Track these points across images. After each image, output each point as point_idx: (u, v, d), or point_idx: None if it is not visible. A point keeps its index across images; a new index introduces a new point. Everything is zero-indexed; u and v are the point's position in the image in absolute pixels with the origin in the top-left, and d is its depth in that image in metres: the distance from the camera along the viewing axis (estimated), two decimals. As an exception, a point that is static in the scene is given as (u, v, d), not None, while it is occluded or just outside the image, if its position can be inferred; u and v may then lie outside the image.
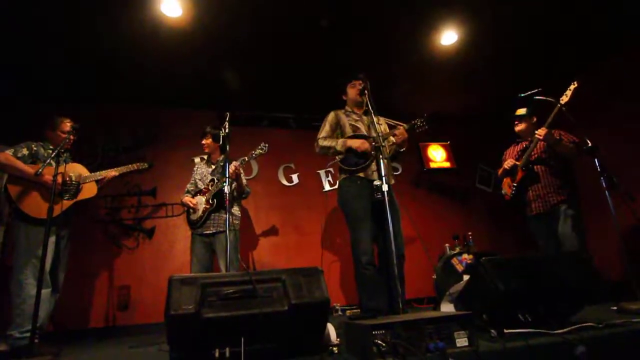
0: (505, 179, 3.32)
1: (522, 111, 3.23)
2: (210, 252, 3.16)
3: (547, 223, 3.06)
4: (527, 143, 3.19)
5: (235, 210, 3.27)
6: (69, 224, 2.82)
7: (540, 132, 2.93)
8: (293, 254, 4.31)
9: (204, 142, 3.36)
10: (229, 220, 2.37)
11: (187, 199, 3.23)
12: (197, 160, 3.53)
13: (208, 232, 3.11)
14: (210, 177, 3.28)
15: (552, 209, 3.01)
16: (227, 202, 2.29)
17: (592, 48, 3.95)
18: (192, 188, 3.36)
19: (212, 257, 3.18)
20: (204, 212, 3.12)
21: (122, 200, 4.01)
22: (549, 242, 3.05)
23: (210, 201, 3.12)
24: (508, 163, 3.22)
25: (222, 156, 3.03)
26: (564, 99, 2.77)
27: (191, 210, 3.21)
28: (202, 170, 3.39)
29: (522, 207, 3.25)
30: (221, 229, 3.08)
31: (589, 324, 1.67)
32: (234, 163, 3.04)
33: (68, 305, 3.23)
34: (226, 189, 2.30)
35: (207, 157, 3.44)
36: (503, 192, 3.33)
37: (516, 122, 3.26)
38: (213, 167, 3.36)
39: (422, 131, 2.78)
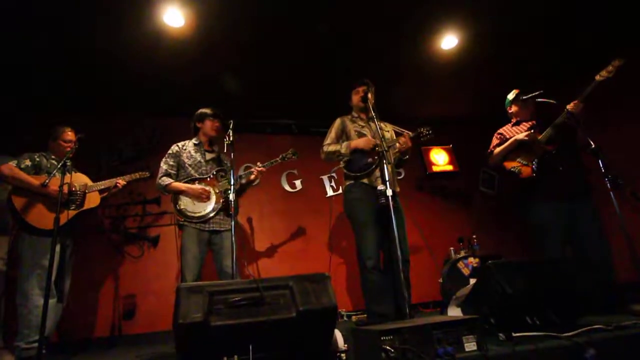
0: (511, 157, 2.85)
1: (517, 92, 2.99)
2: (207, 249, 2.83)
3: (565, 214, 2.63)
4: (531, 124, 2.89)
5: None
6: (74, 233, 2.83)
7: (574, 106, 2.57)
8: (298, 260, 4.30)
9: (214, 124, 3.02)
10: (233, 220, 2.31)
11: (199, 187, 2.82)
12: (177, 146, 3.02)
13: (221, 229, 2.82)
14: (214, 167, 2.98)
15: (576, 198, 2.64)
16: (232, 209, 2.28)
17: (593, 50, 3.95)
18: (173, 172, 2.90)
19: (206, 255, 2.85)
20: (221, 205, 2.81)
21: (126, 209, 4.02)
22: (558, 236, 2.63)
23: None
24: (529, 135, 2.75)
25: (216, 150, 2.81)
26: (604, 75, 2.49)
27: (189, 201, 2.81)
28: (193, 155, 2.96)
29: (532, 191, 2.75)
30: (228, 227, 2.83)
31: (599, 326, 1.65)
32: (259, 165, 3.00)
33: (74, 315, 3.23)
34: (231, 197, 2.29)
35: (199, 143, 3.04)
36: (514, 169, 2.78)
37: (530, 103, 2.92)
38: (210, 155, 3.02)
39: (427, 140, 2.79)
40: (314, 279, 1.55)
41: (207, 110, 3.06)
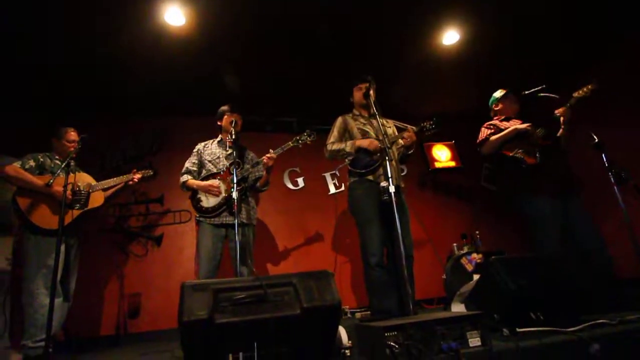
0: (508, 147, 2.80)
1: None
2: (223, 244, 2.84)
3: (560, 210, 2.64)
4: (520, 121, 2.88)
5: (253, 203, 3.07)
6: (78, 232, 2.85)
7: (562, 110, 2.69)
8: (301, 258, 4.31)
9: (230, 118, 2.94)
10: (238, 219, 2.34)
11: (207, 183, 2.84)
12: (200, 144, 3.12)
13: (231, 222, 2.72)
14: (231, 160, 2.90)
15: (569, 195, 2.67)
16: (236, 207, 2.28)
17: (594, 45, 3.94)
18: (195, 169, 2.99)
19: (224, 249, 2.84)
20: (226, 199, 2.80)
21: (130, 209, 4.04)
22: (556, 231, 2.61)
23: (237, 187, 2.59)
24: (531, 126, 2.74)
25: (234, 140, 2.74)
26: (581, 93, 2.61)
27: (204, 197, 2.85)
28: (214, 151, 3.03)
29: (530, 185, 2.71)
30: (245, 221, 2.85)
31: (603, 321, 1.65)
32: (271, 152, 2.89)
33: (79, 314, 3.24)
34: (234, 195, 2.29)
35: (221, 140, 3.10)
36: (518, 156, 2.71)
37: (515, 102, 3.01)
38: (229, 150, 3.01)
39: (431, 133, 2.77)
40: (318, 276, 1.55)
41: (224, 107, 3.09)
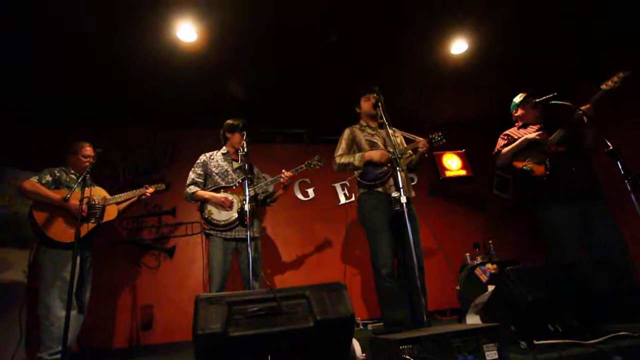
0: (521, 157, 2.78)
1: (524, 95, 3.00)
2: (233, 257, 2.87)
3: (578, 216, 2.57)
4: (538, 127, 2.85)
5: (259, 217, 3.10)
6: (92, 245, 2.88)
7: (587, 109, 2.57)
8: (312, 269, 4.30)
9: (242, 139, 2.90)
10: (250, 233, 2.32)
11: (222, 196, 2.86)
12: (205, 155, 3.10)
13: (242, 236, 2.83)
14: (241, 175, 2.88)
15: (589, 200, 2.60)
16: (247, 219, 2.29)
17: (602, 54, 3.92)
18: (201, 180, 2.98)
19: (232, 263, 2.88)
20: (239, 213, 2.77)
21: (142, 221, 4.09)
22: (574, 238, 2.55)
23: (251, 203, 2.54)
24: (541, 134, 2.70)
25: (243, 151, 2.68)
26: (610, 84, 2.51)
27: (214, 209, 2.86)
28: (220, 164, 3.04)
29: (545, 192, 2.68)
30: (255, 235, 2.91)
31: (624, 333, 1.60)
32: (286, 172, 2.96)
33: (93, 326, 3.28)
34: (246, 207, 2.30)
35: (227, 152, 3.12)
36: (526, 168, 2.70)
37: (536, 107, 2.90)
38: (237, 164, 3.04)
39: (440, 145, 2.77)
40: (330, 287, 1.55)
41: (239, 123, 3.09)
